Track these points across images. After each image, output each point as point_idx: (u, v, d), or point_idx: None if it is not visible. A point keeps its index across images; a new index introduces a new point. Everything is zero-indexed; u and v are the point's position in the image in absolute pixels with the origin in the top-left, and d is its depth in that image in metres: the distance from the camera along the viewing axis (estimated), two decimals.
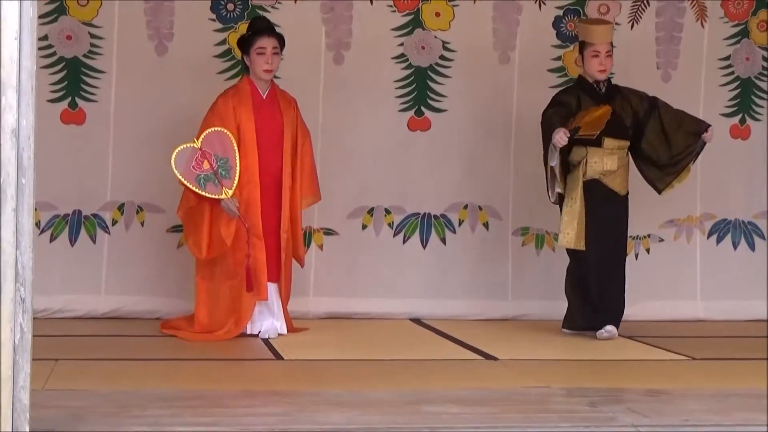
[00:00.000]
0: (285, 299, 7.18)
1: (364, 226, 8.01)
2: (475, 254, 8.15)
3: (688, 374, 6.35)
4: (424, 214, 8.10)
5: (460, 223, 8.16)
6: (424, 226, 8.10)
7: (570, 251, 7.35)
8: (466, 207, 8.18)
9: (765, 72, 8.48)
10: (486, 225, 8.20)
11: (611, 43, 7.35)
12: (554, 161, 7.15)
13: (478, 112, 8.16)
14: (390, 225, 8.06)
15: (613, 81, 7.50)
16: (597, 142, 7.23)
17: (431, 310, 7.98)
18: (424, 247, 8.09)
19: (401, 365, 6.39)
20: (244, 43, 7.13)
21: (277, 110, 7.14)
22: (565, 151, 7.23)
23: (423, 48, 8.07)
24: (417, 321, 7.93)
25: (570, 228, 7.23)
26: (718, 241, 8.46)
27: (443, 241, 8.12)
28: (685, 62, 8.35)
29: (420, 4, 8.06)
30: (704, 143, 7.34)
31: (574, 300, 7.41)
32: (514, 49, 8.21)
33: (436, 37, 8.07)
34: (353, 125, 7.88)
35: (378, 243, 8.02)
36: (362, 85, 7.90)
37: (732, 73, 8.43)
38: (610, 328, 7.25)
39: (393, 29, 8.02)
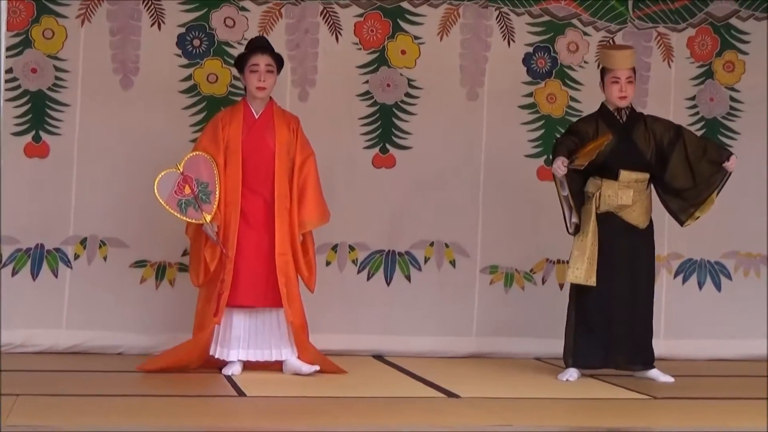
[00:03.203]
0: (298, 326, 7.01)
1: (328, 263, 7.98)
2: (440, 291, 8.14)
3: (649, 413, 6.33)
4: (389, 251, 8.09)
5: (426, 260, 8.15)
6: (389, 263, 8.09)
7: (573, 286, 7.23)
8: (432, 244, 8.17)
9: (733, 112, 8.53)
10: (453, 263, 8.19)
11: (633, 69, 7.26)
12: (564, 191, 7.08)
13: (444, 149, 8.17)
14: (354, 262, 8.05)
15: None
16: (613, 175, 7.15)
17: (394, 347, 7.96)
18: (389, 284, 8.08)
19: (363, 402, 6.37)
20: (240, 61, 7.12)
21: (269, 130, 7.08)
22: (581, 181, 7.18)
23: (388, 85, 8.08)
24: (379, 358, 7.91)
25: (579, 263, 7.09)
26: (684, 280, 8.48)
27: (408, 278, 8.10)
28: (653, 101, 8.38)
29: (385, 42, 8.08)
30: (727, 173, 7.17)
31: (580, 338, 7.20)
32: (483, 86, 8.24)
33: (401, 74, 8.09)
34: (317, 162, 7.85)
35: (342, 279, 8.00)
36: (327, 122, 7.89)
37: (698, 113, 8.49)
38: (653, 373, 7.23)
39: (358, 66, 8.04)
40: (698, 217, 7.36)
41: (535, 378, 7.32)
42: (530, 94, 8.30)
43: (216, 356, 7.02)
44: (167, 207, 6.90)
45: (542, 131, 8.29)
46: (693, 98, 8.50)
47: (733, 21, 8.52)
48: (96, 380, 6.80)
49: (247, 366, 7.05)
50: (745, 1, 8.51)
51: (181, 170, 6.93)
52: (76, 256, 7.71)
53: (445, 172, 8.18)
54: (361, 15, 8.06)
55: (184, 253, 7.64)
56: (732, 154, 7.21)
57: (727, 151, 7.27)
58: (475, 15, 8.20)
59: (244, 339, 7.02)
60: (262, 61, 7.06)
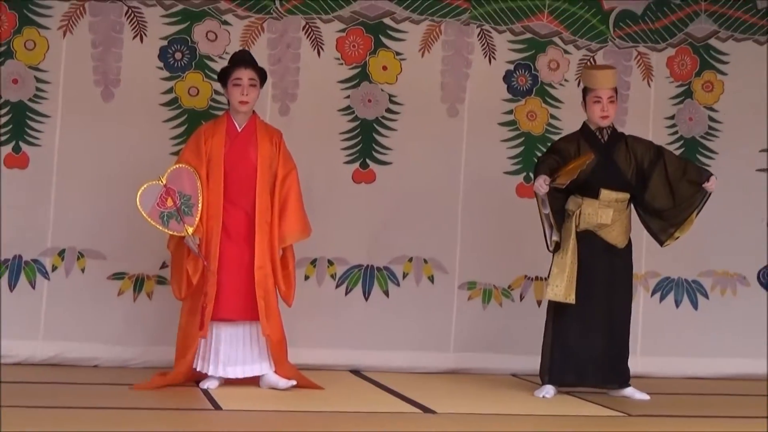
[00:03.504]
0: (275, 341, 7.00)
1: (307, 277, 7.99)
2: (418, 307, 8.15)
3: (624, 430, 6.35)
4: (368, 266, 8.10)
5: (405, 275, 8.16)
6: (367, 278, 8.10)
7: (551, 304, 7.26)
8: (410, 260, 8.18)
9: (711, 131, 8.58)
10: (431, 278, 8.20)
11: (615, 89, 7.31)
12: (546, 209, 7.10)
13: (424, 165, 8.18)
14: (332, 276, 8.05)
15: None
16: (594, 193, 7.18)
17: (372, 362, 7.97)
18: (367, 299, 8.09)
19: (339, 417, 6.36)
20: (223, 75, 7.12)
21: (252, 144, 7.07)
22: (562, 199, 7.21)
23: (369, 101, 8.10)
24: (357, 373, 7.91)
25: (559, 280, 7.11)
26: (661, 299, 8.51)
27: (386, 293, 8.11)
28: (633, 120, 8.43)
29: (367, 58, 8.10)
30: (707, 193, 7.22)
31: (556, 355, 7.23)
32: (463, 103, 8.27)
33: (382, 90, 8.12)
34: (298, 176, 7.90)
35: (320, 294, 7.99)
36: (307, 136, 7.89)
37: (676, 132, 8.53)
38: (628, 391, 7.28)
39: (340, 81, 8.06)
40: (678, 237, 7.40)
41: (511, 394, 7.33)
42: (510, 112, 8.34)
43: (197, 369, 7.02)
44: (149, 219, 6.89)
45: (522, 148, 8.33)
46: (672, 117, 8.56)
47: (713, 42, 8.58)
48: (72, 392, 6.77)
49: (225, 380, 7.06)
50: (725, 22, 8.58)
51: (164, 182, 6.92)
52: (54, 268, 7.68)
53: (425, 188, 8.20)
54: (343, 30, 8.09)
55: (163, 266, 7.65)
56: (712, 174, 7.25)
57: (707, 172, 7.31)
58: (456, 32, 8.24)
59: (225, 353, 7.00)
60: (245, 75, 7.07)
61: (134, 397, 6.63)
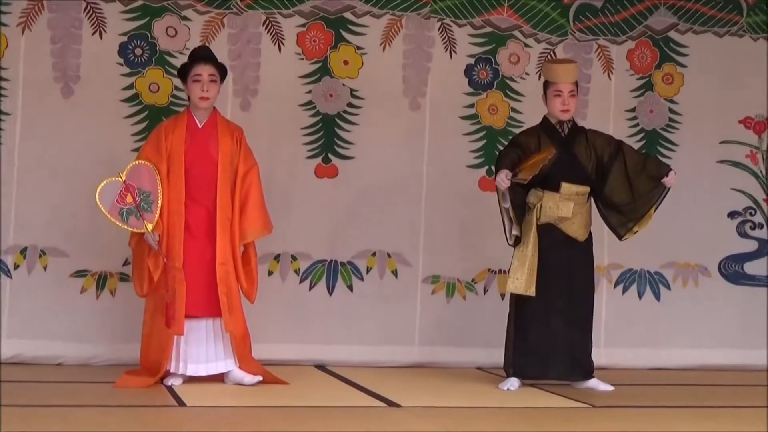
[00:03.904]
0: (239, 337, 6.99)
1: (270, 273, 7.97)
2: (382, 301, 8.16)
3: (589, 422, 6.37)
4: (331, 261, 8.10)
5: (368, 270, 8.17)
6: (331, 273, 8.09)
7: (513, 297, 7.29)
8: (374, 254, 8.18)
9: (672, 123, 8.63)
10: (395, 272, 8.21)
11: (576, 83, 7.34)
12: (506, 203, 7.12)
13: (387, 159, 8.19)
14: (296, 272, 8.04)
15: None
16: (554, 187, 7.20)
17: (336, 357, 7.97)
18: (331, 294, 8.09)
19: (304, 412, 6.37)
20: (183, 71, 7.09)
21: (212, 140, 7.06)
22: (523, 193, 7.21)
23: (331, 95, 8.10)
24: (321, 368, 7.91)
25: (519, 273, 7.13)
26: (624, 290, 8.55)
27: (350, 288, 8.11)
28: (593, 113, 8.47)
29: (328, 52, 8.10)
30: (666, 188, 7.23)
31: (519, 348, 7.25)
32: (425, 96, 8.27)
33: (344, 84, 8.11)
34: (260, 171, 7.85)
35: (284, 289, 7.99)
36: (269, 132, 7.88)
37: (637, 124, 8.57)
38: (592, 382, 7.30)
39: (301, 77, 8.05)
40: (636, 232, 7.43)
41: (476, 387, 7.35)
42: (472, 105, 8.35)
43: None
44: (109, 216, 6.86)
45: (484, 142, 8.34)
46: (633, 110, 8.59)
47: (672, 34, 8.63)
48: (35, 391, 6.73)
49: (189, 376, 7.04)
50: (684, 14, 8.62)
51: (124, 179, 6.90)
52: (16, 266, 7.63)
53: (387, 182, 8.20)
54: (303, 25, 8.07)
55: (125, 263, 7.62)
56: (671, 169, 7.28)
57: (667, 167, 7.33)
58: (417, 26, 8.24)
59: (187, 350, 6.97)
60: (205, 71, 7.05)
61: (98, 395, 6.61)
